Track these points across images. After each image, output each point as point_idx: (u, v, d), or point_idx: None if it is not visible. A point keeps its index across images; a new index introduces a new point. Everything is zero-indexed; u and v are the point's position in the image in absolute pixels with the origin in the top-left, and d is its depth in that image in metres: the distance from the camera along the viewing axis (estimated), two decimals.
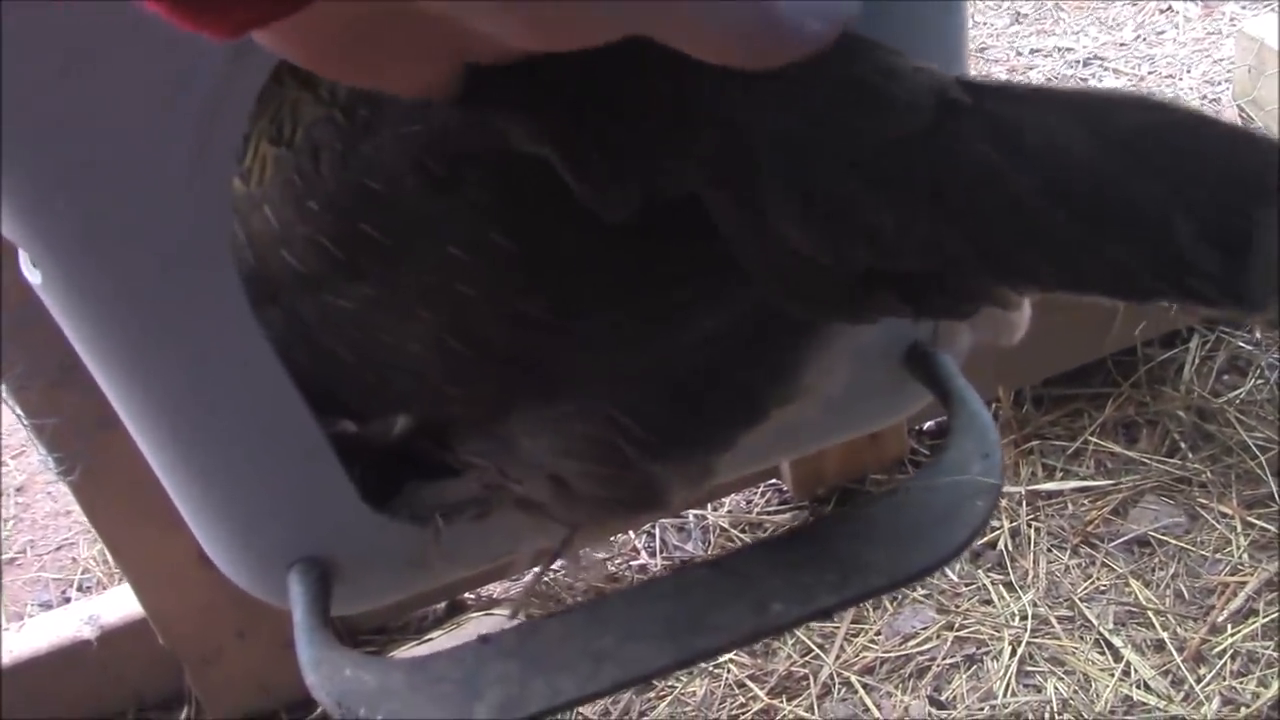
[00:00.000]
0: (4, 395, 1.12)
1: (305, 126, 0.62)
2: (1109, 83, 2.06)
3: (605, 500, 0.67)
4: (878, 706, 1.30)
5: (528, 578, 1.46)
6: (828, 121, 0.49)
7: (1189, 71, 2.04)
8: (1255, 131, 0.47)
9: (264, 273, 0.64)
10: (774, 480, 1.54)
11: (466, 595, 1.48)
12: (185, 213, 0.59)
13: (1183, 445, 1.50)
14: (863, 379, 0.73)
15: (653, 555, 1.50)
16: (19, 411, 1.13)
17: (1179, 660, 1.28)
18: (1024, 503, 1.48)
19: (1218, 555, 1.39)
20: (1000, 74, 2.12)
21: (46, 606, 1.57)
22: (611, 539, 1.43)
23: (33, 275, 0.62)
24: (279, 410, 0.67)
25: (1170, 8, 2.20)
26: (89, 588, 1.61)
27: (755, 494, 1.55)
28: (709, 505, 1.53)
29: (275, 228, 0.63)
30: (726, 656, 1.35)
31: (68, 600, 1.58)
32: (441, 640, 1.37)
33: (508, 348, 0.62)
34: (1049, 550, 1.43)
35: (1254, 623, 1.31)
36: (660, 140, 0.52)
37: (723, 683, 1.34)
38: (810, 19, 0.46)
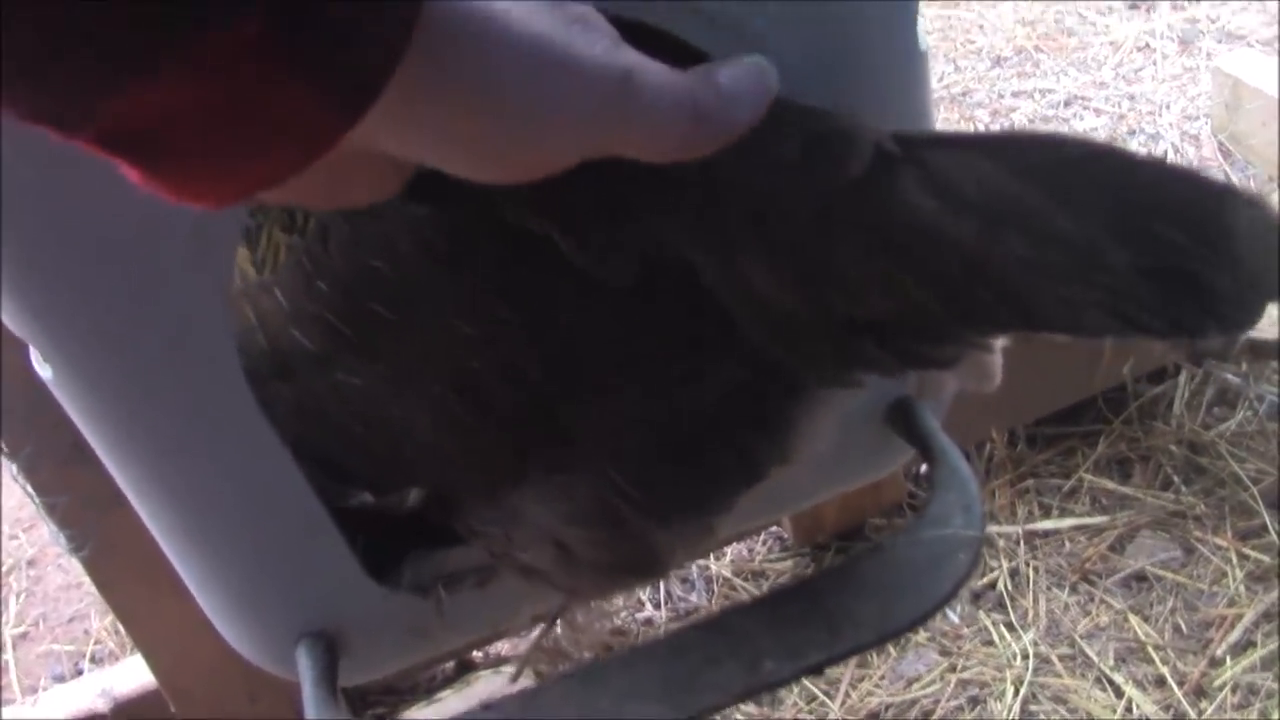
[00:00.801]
0: (15, 474, 1.14)
1: (316, 213, 0.65)
2: (1090, 122, 2.09)
3: (606, 566, 0.69)
4: None
5: (533, 635, 1.48)
6: (782, 178, 0.52)
7: (1168, 108, 2.07)
8: (1182, 166, 0.49)
9: (275, 352, 0.66)
10: (775, 529, 1.56)
11: (475, 653, 1.50)
12: (186, 300, 0.62)
13: (1176, 479, 1.52)
14: (848, 438, 0.75)
15: (658, 607, 1.52)
16: (30, 490, 1.15)
17: (1180, 695, 1.30)
18: (1022, 542, 1.49)
19: (1214, 588, 1.40)
20: (983, 117, 2.16)
21: (60, 679, 1.59)
22: (611, 604, 1.45)
23: (43, 370, 0.64)
24: (282, 488, 0.69)
25: (1148, 45, 2.24)
26: (102, 659, 1.62)
27: (757, 543, 1.57)
28: (712, 555, 1.55)
29: (286, 308, 0.65)
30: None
31: (80, 672, 1.60)
32: (450, 701, 1.38)
33: (516, 418, 0.64)
34: (1048, 589, 1.44)
35: (1253, 654, 1.32)
36: (649, 204, 0.55)
37: None
38: (737, 106, 0.50)
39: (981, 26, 2.39)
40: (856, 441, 0.77)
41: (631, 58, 0.46)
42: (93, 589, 1.71)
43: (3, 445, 1.11)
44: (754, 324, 0.55)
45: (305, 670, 0.72)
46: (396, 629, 0.76)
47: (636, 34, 0.55)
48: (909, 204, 0.49)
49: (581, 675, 0.69)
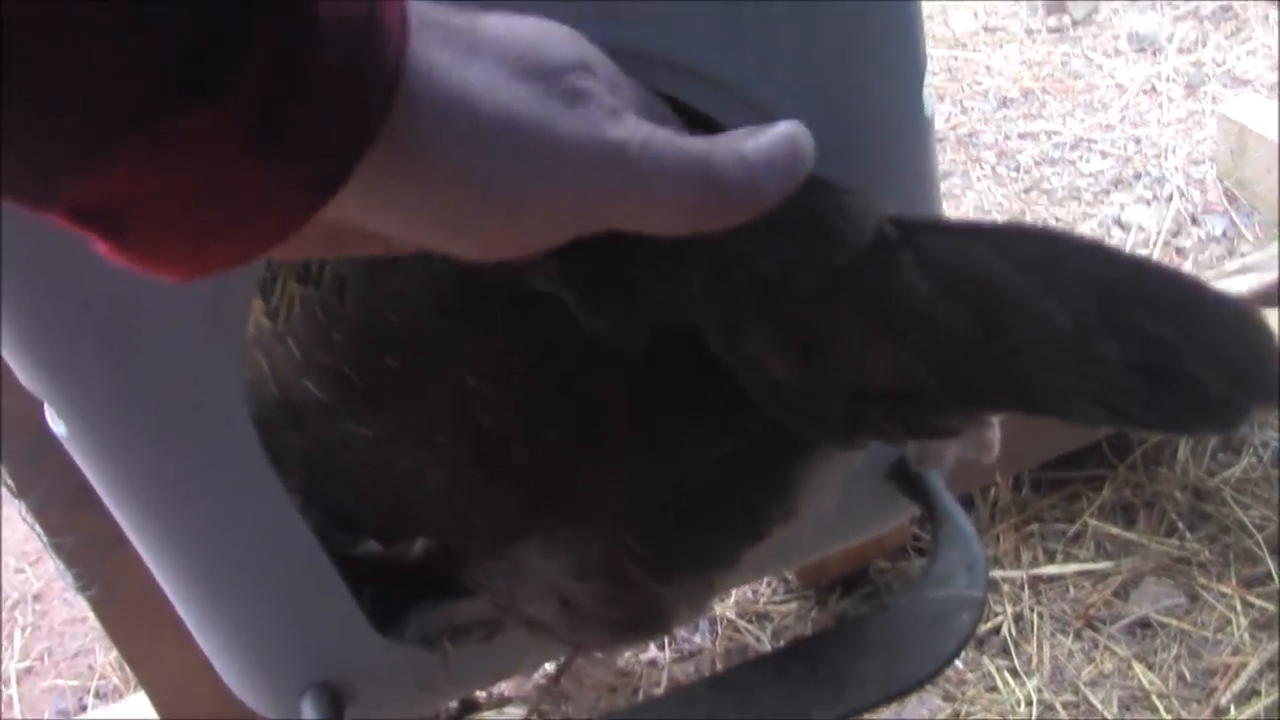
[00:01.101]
0: (24, 514, 1.15)
1: (332, 264, 0.65)
2: (1096, 164, 2.10)
3: (611, 621, 0.69)
4: None
5: (538, 677, 1.48)
6: (788, 254, 0.52)
7: (1173, 151, 2.08)
8: (1168, 266, 0.50)
9: (286, 401, 0.67)
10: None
11: (479, 693, 1.50)
12: (200, 361, 0.63)
13: (1180, 525, 1.52)
14: (851, 494, 0.76)
15: (661, 648, 1.52)
16: (39, 531, 1.15)
17: None
18: (1026, 587, 1.49)
19: (1218, 636, 1.40)
20: (990, 159, 2.17)
21: (64, 715, 1.59)
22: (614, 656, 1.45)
23: (57, 427, 0.65)
24: (289, 541, 0.70)
25: (1154, 89, 2.25)
26: (106, 695, 1.62)
27: (761, 585, 1.57)
28: (716, 598, 1.55)
29: (299, 358, 0.66)
30: None
31: (85, 708, 1.60)
32: None
33: (526, 475, 0.64)
34: (1052, 635, 1.44)
35: (1257, 704, 1.32)
36: (660, 273, 0.55)
37: None
38: (765, 176, 0.47)
39: (988, 68, 2.41)
40: (859, 498, 0.77)
41: (628, 128, 0.45)
42: (98, 624, 1.72)
43: (13, 487, 1.12)
44: (760, 392, 0.56)
45: None
46: (402, 681, 0.76)
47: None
48: (907, 287, 0.50)
49: None
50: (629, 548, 0.65)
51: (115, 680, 1.64)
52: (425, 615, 0.75)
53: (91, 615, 1.74)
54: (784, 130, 0.48)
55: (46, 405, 0.65)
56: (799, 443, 0.63)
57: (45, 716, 1.60)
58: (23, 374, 0.62)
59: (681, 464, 0.64)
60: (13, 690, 1.64)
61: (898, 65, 0.67)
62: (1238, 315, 0.46)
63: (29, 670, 1.67)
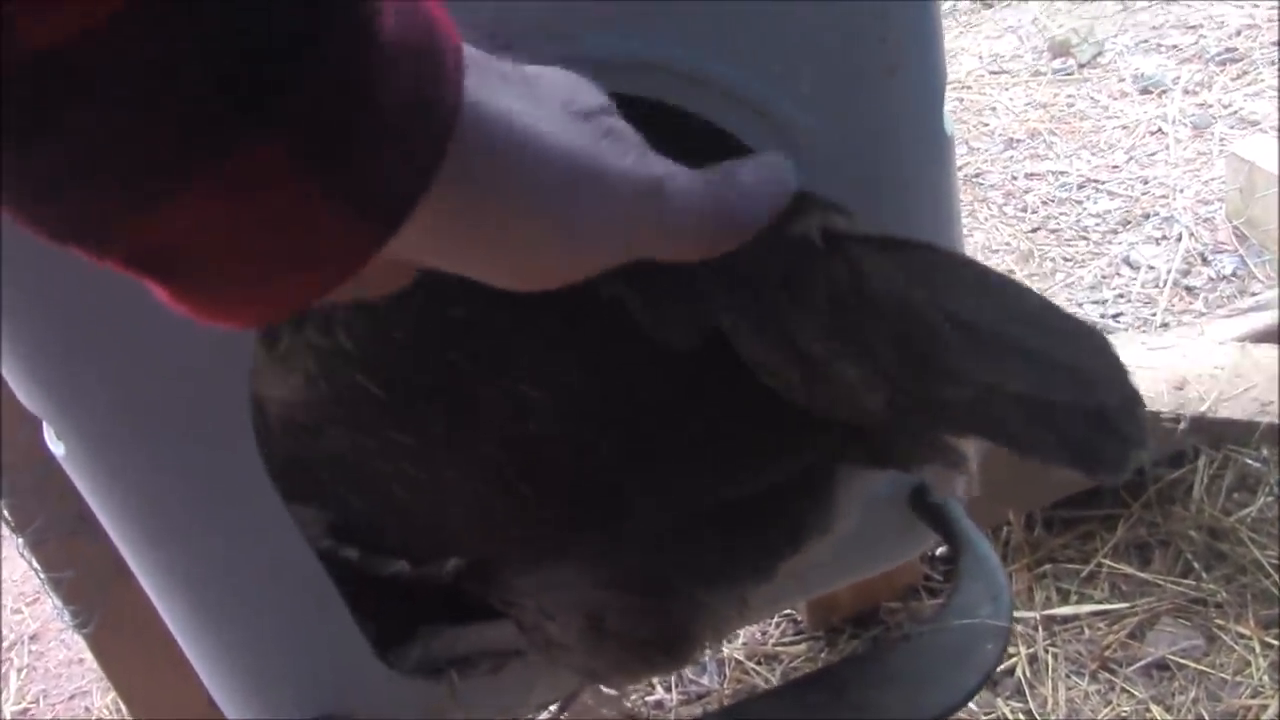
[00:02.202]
0: (21, 549, 1.13)
1: None
2: (1104, 204, 2.09)
3: (635, 642, 0.67)
4: None
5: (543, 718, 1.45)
6: (778, 274, 0.54)
7: (1181, 192, 2.07)
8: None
9: (329, 404, 0.65)
10: (788, 612, 1.53)
11: None
12: (205, 381, 0.61)
13: (1196, 565, 1.49)
14: (873, 523, 0.74)
15: (668, 690, 1.49)
16: (36, 566, 1.13)
17: None
18: (1040, 628, 1.47)
19: (1238, 678, 1.37)
20: (998, 199, 2.16)
21: None
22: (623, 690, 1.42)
23: (56, 447, 0.64)
24: (293, 569, 0.68)
25: (1160, 130, 2.25)
26: None
27: (770, 625, 1.54)
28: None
29: (355, 354, 0.64)
30: None
31: None
32: None
33: (571, 485, 0.63)
34: (1068, 676, 1.42)
35: None
36: (703, 280, 0.55)
37: None
38: (758, 203, 0.50)
39: (994, 109, 2.41)
40: (881, 527, 0.76)
41: (659, 167, 0.47)
42: (95, 666, 1.69)
43: (10, 520, 1.10)
44: (805, 399, 0.56)
45: None
46: (407, 713, 0.74)
47: (656, 113, 0.56)
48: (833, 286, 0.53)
49: None
50: (670, 553, 0.63)
51: None
52: (430, 643, 0.73)
53: (88, 657, 1.72)
54: (771, 159, 0.53)
55: (45, 425, 0.63)
56: (834, 454, 0.62)
57: None
58: (22, 392, 0.61)
59: (739, 479, 0.63)
60: None
61: (918, 83, 0.66)
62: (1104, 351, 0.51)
63: (24, 712, 1.65)
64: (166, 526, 0.65)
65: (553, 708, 0.98)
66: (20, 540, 1.12)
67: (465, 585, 0.68)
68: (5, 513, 1.09)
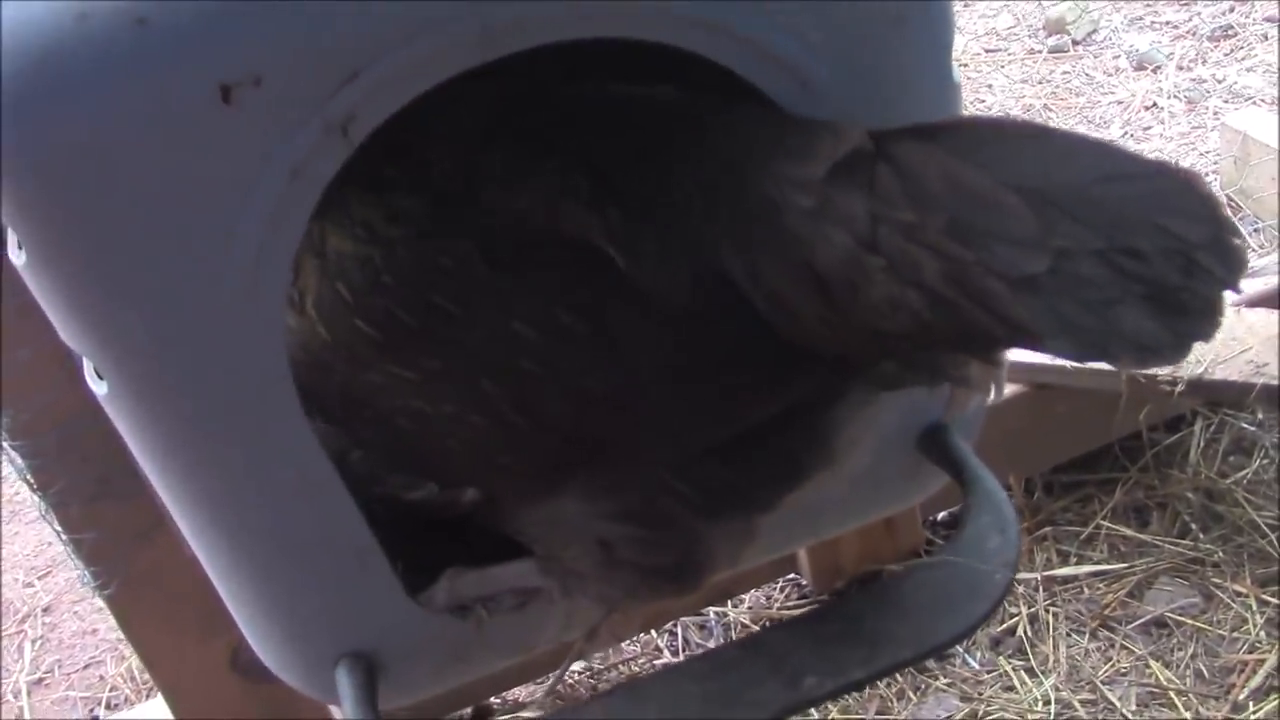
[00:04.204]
0: (43, 512, 1.15)
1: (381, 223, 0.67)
2: None
3: (646, 569, 0.69)
4: None
5: (549, 681, 1.47)
6: (780, 173, 0.56)
7: (1176, 164, 2.09)
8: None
9: (333, 346, 0.68)
10: (793, 575, 1.56)
11: (492, 700, 1.49)
12: (245, 325, 0.63)
13: (1193, 526, 1.52)
14: (882, 463, 0.76)
15: (675, 654, 1.51)
16: (58, 528, 1.15)
17: None
18: (1040, 589, 1.49)
19: (1235, 634, 1.40)
20: None
21: None
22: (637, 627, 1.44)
23: (98, 386, 0.66)
24: (330, 510, 0.70)
25: (1155, 105, 2.27)
26: (117, 705, 1.62)
27: (775, 589, 1.56)
28: (729, 602, 1.55)
29: (349, 301, 0.67)
30: None
31: (95, 718, 1.59)
32: None
33: (568, 423, 0.65)
34: (1068, 635, 1.44)
35: (1274, 700, 1.32)
36: (692, 209, 0.57)
37: None
38: None
39: (990, 86, 2.43)
40: (890, 467, 0.78)
41: None
42: (108, 636, 1.72)
43: (32, 482, 1.12)
44: (791, 331, 0.57)
45: (345, 690, 0.73)
46: (436, 650, 0.76)
47: (662, 57, 0.58)
48: (884, 194, 0.53)
49: (622, 692, 0.69)
50: (673, 489, 0.65)
51: (127, 691, 1.63)
52: (455, 584, 0.75)
53: (101, 628, 1.74)
54: None
55: (86, 363, 0.65)
56: (833, 390, 0.64)
57: None
58: (64, 328, 0.63)
59: (728, 415, 0.64)
60: (24, 702, 1.64)
61: (926, 32, 0.68)
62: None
63: (39, 682, 1.67)
64: (203, 463, 0.67)
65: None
66: (42, 502, 1.14)
67: (483, 518, 0.71)
68: (27, 475, 1.11)
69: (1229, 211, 1.91)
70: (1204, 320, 0.50)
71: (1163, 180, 0.51)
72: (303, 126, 0.59)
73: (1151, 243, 0.48)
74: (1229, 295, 0.50)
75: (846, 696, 1.40)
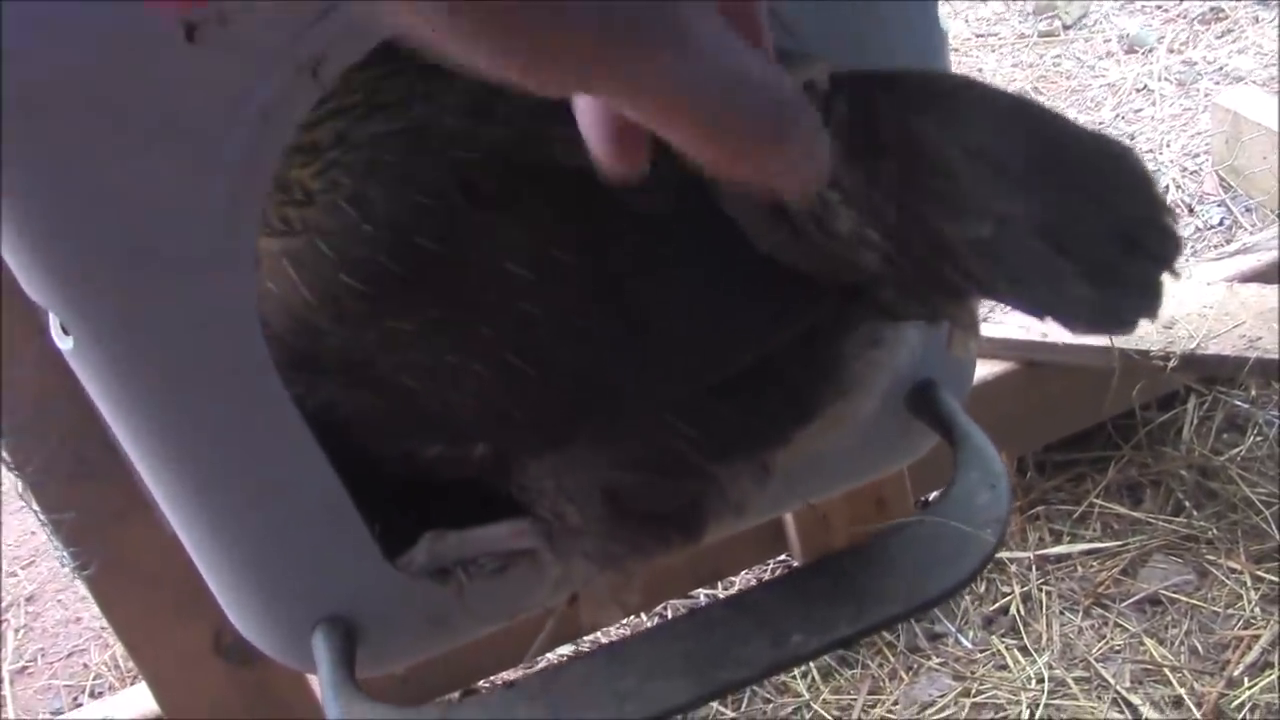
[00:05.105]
0: (20, 491, 1.13)
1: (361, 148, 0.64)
2: None
3: (654, 517, 0.68)
4: None
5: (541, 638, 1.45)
6: None
7: (1168, 145, 2.09)
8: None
9: (321, 306, 0.65)
10: (784, 556, 1.54)
11: (481, 684, 1.48)
12: (216, 278, 0.62)
13: (1187, 504, 1.51)
14: (872, 424, 0.75)
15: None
16: (36, 508, 1.14)
17: (1198, 715, 1.28)
18: (1034, 567, 1.48)
19: (1229, 610, 1.39)
20: None
21: (58, 714, 1.57)
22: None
23: (63, 342, 0.64)
24: (303, 471, 0.69)
25: (1146, 87, 2.26)
26: (101, 693, 1.60)
27: (765, 571, 1.55)
28: (719, 584, 1.53)
29: (331, 256, 0.65)
30: None
31: (79, 706, 1.57)
32: None
33: (570, 365, 0.63)
34: (1061, 613, 1.43)
35: (1270, 675, 1.30)
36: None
37: None
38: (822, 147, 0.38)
39: (980, 70, 2.42)
40: (880, 428, 0.76)
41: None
42: (92, 624, 1.70)
43: (9, 460, 1.10)
44: (780, 252, 0.56)
45: (322, 655, 0.71)
46: (415, 616, 0.75)
47: None
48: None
49: (604, 653, 0.68)
50: (680, 430, 0.64)
51: (110, 679, 1.61)
52: (436, 544, 0.73)
53: (85, 615, 1.72)
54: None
55: (52, 318, 0.64)
56: (841, 320, 0.62)
57: (40, 716, 1.57)
58: (27, 280, 0.61)
59: (731, 351, 0.63)
60: (6, 691, 1.62)
61: None
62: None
63: (23, 670, 1.65)
64: (173, 421, 0.66)
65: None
66: (19, 482, 1.12)
67: (488, 475, 0.69)
68: (4, 454, 1.10)
69: (1165, 193, 1.90)
70: (1145, 299, 0.50)
71: (1103, 157, 0.51)
72: (272, 67, 0.57)
73: (1091, 221, 0.49)
74: (1169, 277, 0.50)
75: (838, 676, 1.39)
